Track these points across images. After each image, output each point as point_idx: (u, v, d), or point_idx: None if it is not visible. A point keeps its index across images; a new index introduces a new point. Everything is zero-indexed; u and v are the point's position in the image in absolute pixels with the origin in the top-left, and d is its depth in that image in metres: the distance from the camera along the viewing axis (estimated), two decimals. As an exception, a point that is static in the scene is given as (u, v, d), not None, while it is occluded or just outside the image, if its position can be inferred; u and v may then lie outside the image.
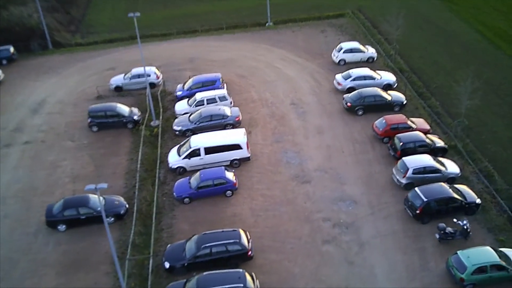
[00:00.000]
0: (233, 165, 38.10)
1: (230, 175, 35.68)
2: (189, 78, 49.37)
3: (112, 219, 34.08)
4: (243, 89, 49.14)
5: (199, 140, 37.97)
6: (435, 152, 37.13)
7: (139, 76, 50.15)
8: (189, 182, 35.43)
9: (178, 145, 39.33)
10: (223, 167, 36.26)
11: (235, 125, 42.28)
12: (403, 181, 34.51)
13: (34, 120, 46.57)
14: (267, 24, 63.40)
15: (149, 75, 50.29)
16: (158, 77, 50.92)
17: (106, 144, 42.37)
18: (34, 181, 38.64)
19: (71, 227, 33.87)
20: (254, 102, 46.65)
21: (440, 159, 36.04)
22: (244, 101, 46.91)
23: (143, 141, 41.81)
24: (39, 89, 52.17)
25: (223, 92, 45.11)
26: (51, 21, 65.84)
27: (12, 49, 58.43)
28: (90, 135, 43.68)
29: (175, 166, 37.82)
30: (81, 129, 44.54)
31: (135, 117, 44.29)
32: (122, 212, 34.32)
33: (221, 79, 47.76)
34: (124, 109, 44.59)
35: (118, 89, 50.46)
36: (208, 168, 37.22)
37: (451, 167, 35.41)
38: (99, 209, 33.69)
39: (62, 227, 33.82)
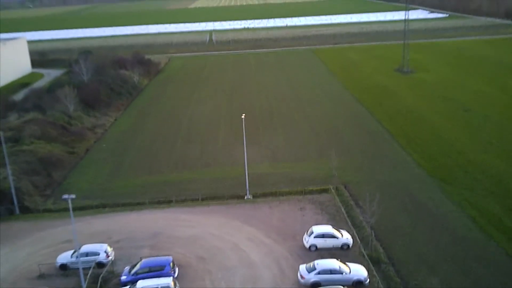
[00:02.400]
0: None
1: None
2: (140, 259, 44.67)
3: None
4: (198, 275, 43.84)
5: None
6: None
7: (87, 254, 45.78)
8: None
9: None
10: None
11: (171, 326, 36.35)
12: None
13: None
14: (245, 197, 59.92)
15: (98, 254, 45.97)
16: (108, 256, 46.37)
17: None
18: None
19: None
20: (204, 294, 41.06)
21: None
22: (194, 292, 41.39)
23: None
24: (-16, 263, 48.02)
25: (167, 281, 39.98)
26: (26, 184, 64.16)
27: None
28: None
29: None
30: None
31: (63, 309, 38.97)
32: None
33: (171, 264, 42.95)
34: (53, 297, 39.52)
35: (64, 267, 45.88)
36: None
37: None
38: None
39: None
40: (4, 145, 60.01)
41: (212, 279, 43.19)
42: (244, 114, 61.78)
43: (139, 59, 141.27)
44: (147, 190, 64.29)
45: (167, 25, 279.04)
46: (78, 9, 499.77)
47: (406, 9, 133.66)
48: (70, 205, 39.18)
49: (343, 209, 54.50)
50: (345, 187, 60.88)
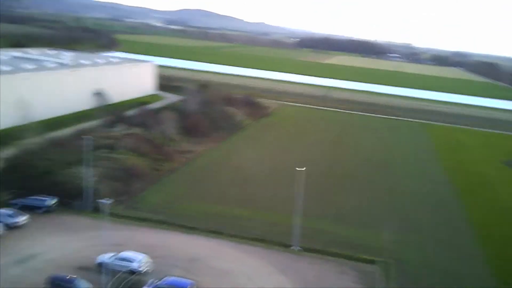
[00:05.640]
0: None
1: None
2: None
3: None
4: None
5: None
6: None
7: (124, 259, 48.92)
8: None
9: None
10: None
11: None
12: None
13: None
14: (292, 247, 60.03)
15: (132, 261, 48.87)
16: (139, 267, 49.05)
17: None
18: None
19: None
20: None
21: None
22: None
23: None
24: None
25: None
26: (104, 187, 69.92)
27: None
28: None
29: None
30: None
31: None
32: None
33: (192, 286, 44.53)
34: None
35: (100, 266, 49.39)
36: None
37: None
38: None
39: None
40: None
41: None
42: (303, 167, 62.85)
43: (248, 100, 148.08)
44: (207, 218, 66.93)
45: (293, 75, 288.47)
46: (218, 45, 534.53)
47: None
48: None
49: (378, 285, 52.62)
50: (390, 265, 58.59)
